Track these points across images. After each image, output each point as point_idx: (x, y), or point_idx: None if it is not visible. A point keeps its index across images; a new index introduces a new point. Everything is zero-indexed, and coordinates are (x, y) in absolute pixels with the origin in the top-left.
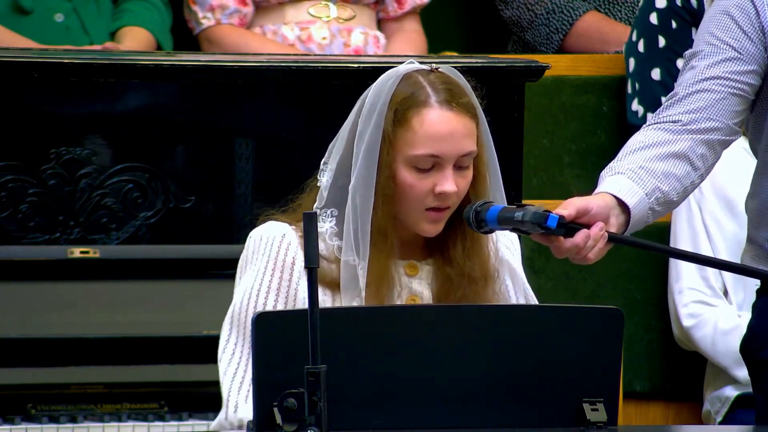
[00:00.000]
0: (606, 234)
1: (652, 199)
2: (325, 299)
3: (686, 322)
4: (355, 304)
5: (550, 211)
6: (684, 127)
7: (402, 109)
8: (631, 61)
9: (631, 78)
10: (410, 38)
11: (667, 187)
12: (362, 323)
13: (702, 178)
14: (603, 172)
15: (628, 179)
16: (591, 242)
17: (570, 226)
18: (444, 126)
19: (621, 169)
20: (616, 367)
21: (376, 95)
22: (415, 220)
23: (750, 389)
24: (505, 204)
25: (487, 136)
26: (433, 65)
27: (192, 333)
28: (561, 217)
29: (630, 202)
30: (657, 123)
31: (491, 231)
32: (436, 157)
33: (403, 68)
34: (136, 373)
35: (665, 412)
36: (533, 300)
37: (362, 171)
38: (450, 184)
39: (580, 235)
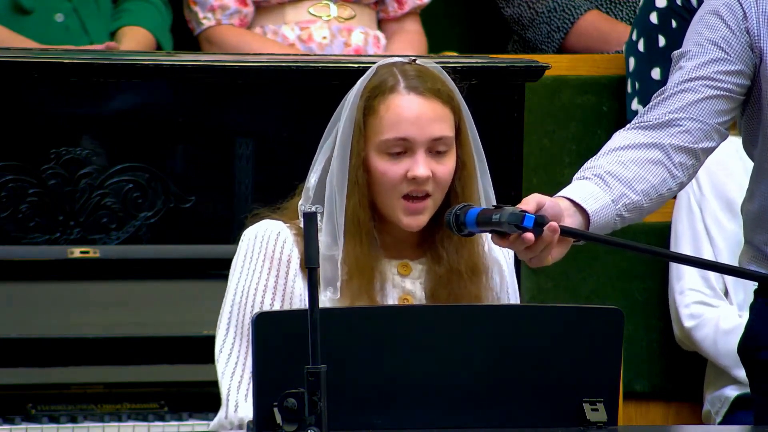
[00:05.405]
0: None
1: (619, 206)
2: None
3: (687, 323)
4: (329, 293)
5: (526, 211)
6: (665, 130)
7: (371, 97)
8: (631, 61)
9: (631, 78)
10: (410, 38)
11: (636, 194)
12: (362, 323)
13: (681, 185)
14: (576, 174)
15: (594, 185)
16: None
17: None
18: (410, 110)
19: (588, 174)
20: (616, 367)
21: (353, 90)
22: (394, 210)
23: None
24: (494, 201)
25: (472, 129)
26: (412, 58)
27: (192, 333)
28: (538, 216)
29: (590, 207)
30: (640, 123)
31: (471, 234)
32: (404, 140)
33: (381, 61)
34: (136, 373)
35: (665, 412)
36: (516, 302)
37: (337, 161)
38: (422, 168)
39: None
